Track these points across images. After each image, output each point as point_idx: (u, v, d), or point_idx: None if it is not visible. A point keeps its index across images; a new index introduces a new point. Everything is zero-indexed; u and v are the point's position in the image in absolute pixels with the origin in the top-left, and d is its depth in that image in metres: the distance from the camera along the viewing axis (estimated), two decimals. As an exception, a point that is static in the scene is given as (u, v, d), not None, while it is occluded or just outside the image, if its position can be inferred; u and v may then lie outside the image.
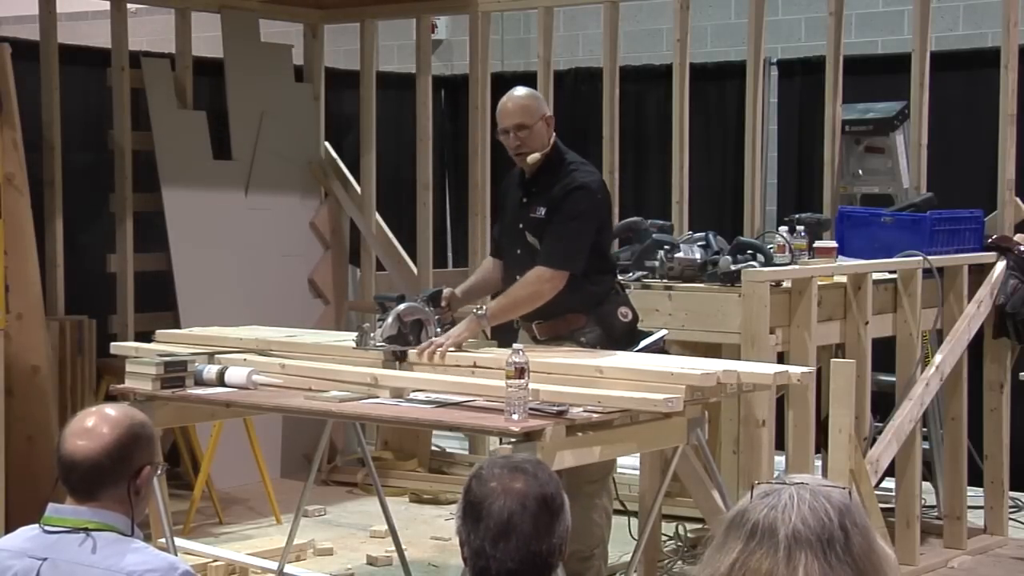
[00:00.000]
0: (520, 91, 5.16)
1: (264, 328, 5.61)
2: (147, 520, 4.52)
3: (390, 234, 8.03)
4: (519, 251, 5.08)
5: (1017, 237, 6.33)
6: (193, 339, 5.33)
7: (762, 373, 4.46)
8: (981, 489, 6.43)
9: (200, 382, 4.70)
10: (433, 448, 7.82)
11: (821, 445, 5.51)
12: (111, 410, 2.97)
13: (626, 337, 4.97)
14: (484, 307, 4.92)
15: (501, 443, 4.09)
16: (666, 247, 5.59)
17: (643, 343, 4.95)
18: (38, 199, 6.62)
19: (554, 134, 5.08)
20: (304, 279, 7.93)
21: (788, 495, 1.67)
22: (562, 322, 4.99)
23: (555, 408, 4.05)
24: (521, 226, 5.08)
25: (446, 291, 5.08)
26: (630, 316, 5.01)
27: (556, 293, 4.87)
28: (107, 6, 7.19)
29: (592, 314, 4.98)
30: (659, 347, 4.97)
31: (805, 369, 4.73)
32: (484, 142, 7.59)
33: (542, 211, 5.00)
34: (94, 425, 2.91)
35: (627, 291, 5.23)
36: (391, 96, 8.63)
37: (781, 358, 5.53)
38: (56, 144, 6.87)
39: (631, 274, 5.65)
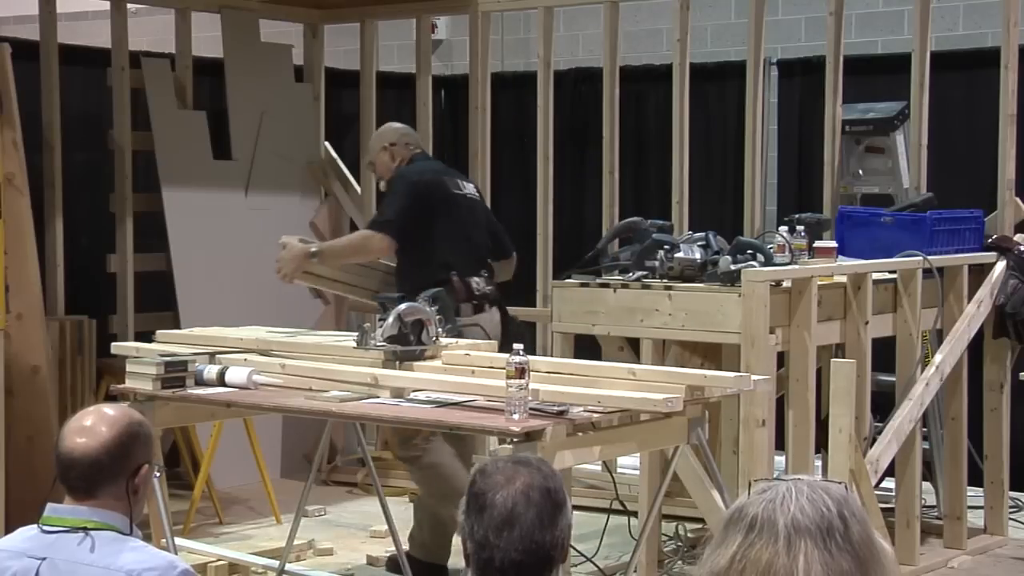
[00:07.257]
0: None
1: (264, 328, 5.61)
2: (147, 520, 4.52)
3: (390, 234, 8.01)
4: None
5: (1017, 237, 6.33)
6: (193, 339, 5.32)
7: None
8: (981, 489, 6.43)
9: (201, 382, 4.70)
10: (433, 448, 7.80)
11: (821, 445, 5.51)
12: (109, 409, 2.98)
13: None
14: None
15: (500, 444, 4.08)
16: (666, 247, 5.58)
17: None
18: (38, 199, 6.62)
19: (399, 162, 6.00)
20: (304, 279, 7.91)
21: (786, 488, 1.68)
22: None
23: (555, 408, 4.05)
24: None
25: None
26: None
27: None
28: (107, 6, 7.18)
29: None
30: None
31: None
32: (484, 142, 7.59)
33: None
34: (93, 423, 2.92)
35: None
36: (391, 96, 8.62)
37: (781, 358, 5.53)
38: (56, 144, 6.86)
39: (631, 274, 5.65)
